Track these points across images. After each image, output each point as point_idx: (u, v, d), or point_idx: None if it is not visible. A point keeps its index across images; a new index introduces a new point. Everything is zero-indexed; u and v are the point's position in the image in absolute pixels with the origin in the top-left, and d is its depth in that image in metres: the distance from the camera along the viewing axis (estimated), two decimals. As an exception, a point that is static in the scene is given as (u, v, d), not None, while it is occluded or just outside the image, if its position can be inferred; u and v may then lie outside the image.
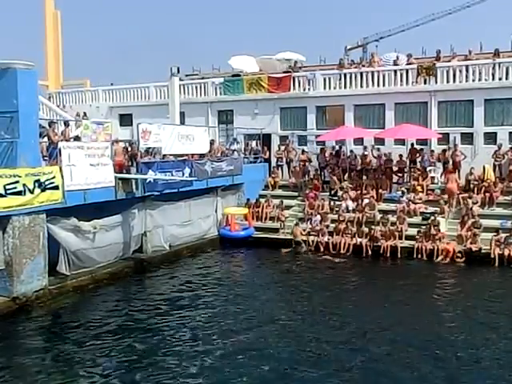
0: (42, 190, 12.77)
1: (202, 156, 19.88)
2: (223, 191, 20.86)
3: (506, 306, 12.74)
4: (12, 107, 12.42)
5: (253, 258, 18.52)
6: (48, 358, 9.82)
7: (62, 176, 13.34)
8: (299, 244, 18.93)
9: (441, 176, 20.89)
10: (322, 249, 18.58)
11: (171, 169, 17.51)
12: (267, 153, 24.28)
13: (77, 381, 8.94)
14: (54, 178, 13.10)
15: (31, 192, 12.48)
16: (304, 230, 19.31)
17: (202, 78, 28.99)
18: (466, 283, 15.16)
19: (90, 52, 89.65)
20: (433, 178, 20.96)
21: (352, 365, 9.42)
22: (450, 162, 20.81)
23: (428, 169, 21.08)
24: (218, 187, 20.45)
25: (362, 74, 23.44)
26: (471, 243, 17.07)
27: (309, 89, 24.33)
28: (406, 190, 20.46)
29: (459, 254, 17.04)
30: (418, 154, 21.58)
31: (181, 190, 17.95)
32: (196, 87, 27.04)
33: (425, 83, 22.29)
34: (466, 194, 19.12)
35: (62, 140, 14.46)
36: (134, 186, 15.94)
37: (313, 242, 18.82)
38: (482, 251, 16.84)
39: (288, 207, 21.41)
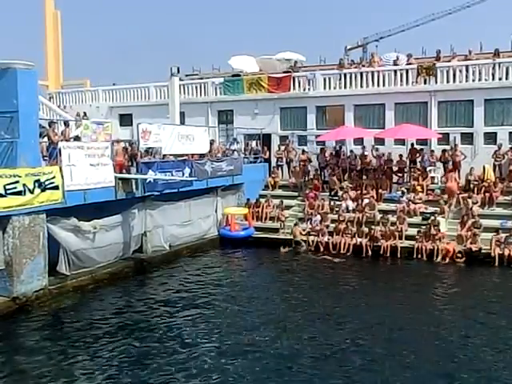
0: (42, 190, 12.77)
1: (202, 156, 19.89)
2: (223, 191, 20.86)
3: (506, 306, 12.74)
4: (12, 107, 12.42)
5: (253, 258, 18.51)
6: (48, 358, 9.81)
7: (62, 176, 13.34)
8: (299, 244, 18.95)
9: (441, 177, 20.90)
10: (321, 249, 18.58)
11: (171, 169, 17.51)
12: (267, 153, 24.28)
13: (77, 381, 8.94)
14: (54, 177, 13.10)
15: (31, 192, 12.49)
16: (304, 230, 19.32)
17: (201, 79, 29.01)
18: (466, 283, 15.18)
19: (90, 52, 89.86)
20: (433, 178, 20.97)
21: (352, 364, 9.42)
22: (450, 162, 20.83)
23: (428, 169, 21.09)
24: (218, 187, 20.45)
25: (362, 73, 23.44)
26: (471, 243, 17.07)
27: (309, 89, 24.33)
28: (405, 190, 20.47)
29: (459, 254, 17.03)
30: (418, 154, 21.59)
31: (181, 190, 17.95)
32: (196, 87, 27.04)
33: (425, 83, 22.29)
34: (466, 194, 19.12)
35: (62, 140, 14.46)
36: (134, 186, 15.94)
37: (313, 241, 18.82)
38: (482, 251, 16.84)
39: (288, 207, 21.42)
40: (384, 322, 11.53)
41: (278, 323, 11.58)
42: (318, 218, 19.72)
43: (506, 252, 16.41)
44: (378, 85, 23.05)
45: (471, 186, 19.75)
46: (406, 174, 21.64)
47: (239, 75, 26.81)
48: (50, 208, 13.09)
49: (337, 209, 20.11)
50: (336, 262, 17.27)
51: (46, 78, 30.43)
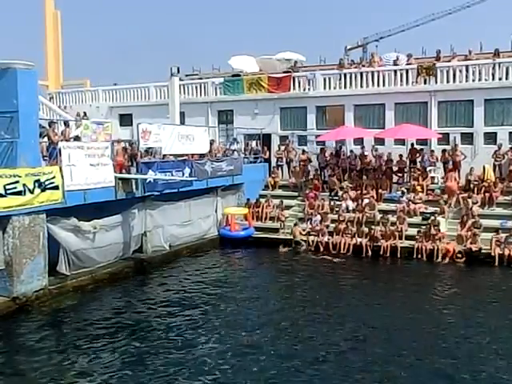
0: (42, 190, 12.78)
1: (202, 156, 19.89)
2: (223, 191, 20.86)
3: (506, 306, 12.75)
4: (12, 107, 12.42)
5: (253, 258, 18.50)
6: (48, 358, 9.80)
7: (62, 176, 13.35)
8: (299, 244, 18.96)
9: (441, 177, 20.90)
10: (321, 249, 18.58)
11: (171, 169, 17.51)
12: (267, 153, 24.28)
13: (77, 381, 8.94)
14: (54, 177, 13.10)
15: (31, 192, 12.49)
16: (304, 230, 19.32)
17: (201, 79, 29.01)
18: (466, 283, 15.17)
19: (90, 52, 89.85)
20: (433, 177, 20.97)
21: (352, 364, 9.41)
22: (450, 162, 20.83)
23: (428, 169, 21.09)
24: (218, 187, 20.45)
25: (362, 73, 23.44)
26: (471, 243, 17.07)
27: (309, 89, 24.33)
28: (405, 190, 20.46)
29: (459, 254, 17.04)
30: (418, 154, 21.59)
31: (181, 190, 17.95)
32: (196, 87, 27.04)
33: (425, 83, 22.29)
34: (466, 194, 19.12)
35: (62, 140, 14.46)
36: (134, 186, 15.94)
37: (313, 241, 18.82)
38: (482, 251, 16.84)
39: (288, 207, 21.42)
40: (384, 322, 11.52)
41: (278, 323, 11.58)
42: (318, 217, 19.72)
43: (506, 252, 16.41)
44: (378, 85, 23.05)
45: (471, 185, 19.75)
46: (406, 174, 21.64)
47: (239, 75, 26.81)
48: (50, 208, 13.09)
49: (337, 209, 20.10)
50: (336, 262, 17.28)
51: (46, 78, 30.43)
